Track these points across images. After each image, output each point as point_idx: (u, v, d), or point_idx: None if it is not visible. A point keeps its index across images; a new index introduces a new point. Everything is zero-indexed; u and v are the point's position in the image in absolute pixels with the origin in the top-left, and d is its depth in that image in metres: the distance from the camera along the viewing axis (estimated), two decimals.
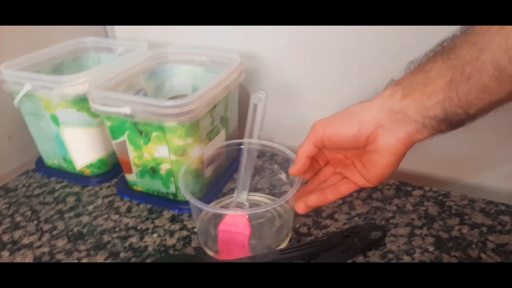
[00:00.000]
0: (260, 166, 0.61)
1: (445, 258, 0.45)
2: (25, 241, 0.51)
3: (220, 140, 0.57)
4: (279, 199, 0.44)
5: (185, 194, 0.44)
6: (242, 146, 0.51)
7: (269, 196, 0.56)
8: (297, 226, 0.51)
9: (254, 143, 0.50)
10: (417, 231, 0.49)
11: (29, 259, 0.48)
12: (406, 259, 0.46)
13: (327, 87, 0.63)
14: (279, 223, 0.51)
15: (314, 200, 0.44)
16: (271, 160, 0.62)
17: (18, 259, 0.48)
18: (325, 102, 0.64)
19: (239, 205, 0.49)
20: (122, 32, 0.76)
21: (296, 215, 0.49)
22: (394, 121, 0.37)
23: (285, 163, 0.51)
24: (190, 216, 0.54)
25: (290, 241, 0.49)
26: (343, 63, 0.60)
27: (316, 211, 0.53)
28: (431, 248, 0.47)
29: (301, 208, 0.44)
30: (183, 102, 0.46)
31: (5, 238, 0.52)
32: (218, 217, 0.49)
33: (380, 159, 0.39)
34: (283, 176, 0.56)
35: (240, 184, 0.50)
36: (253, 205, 0.52)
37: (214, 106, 0.53)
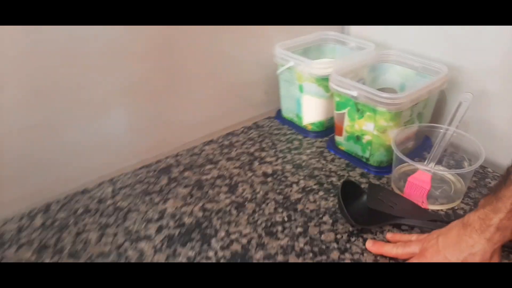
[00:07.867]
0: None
1: None
2: (267, 159, 0.80)
3: (412, 130, 0.75)
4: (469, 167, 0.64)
5: (396, 151, 0.67)
6: (441, 130, 0.71)
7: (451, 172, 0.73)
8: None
9: (451, 130, 0.69)
10: None
11: (269, 169, 0.77)
12: None
13: None
14: (452, 193, 0.69)
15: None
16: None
17: (263, 168, 0.77)
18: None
19: (427, 170, 0.67)
20: (355, 30, 0.98)
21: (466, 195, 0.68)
22: None
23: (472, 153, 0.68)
24: (374, 176, 0.74)
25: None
26: None
27: None
28: None
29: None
30: (395, 97, 0.67)
31: (256, 153, 0.82)
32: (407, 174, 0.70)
33: None
34: (466, 163, 0.72)
35: (431, 156, 0.69)
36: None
37: (416, 104, 0.71)
